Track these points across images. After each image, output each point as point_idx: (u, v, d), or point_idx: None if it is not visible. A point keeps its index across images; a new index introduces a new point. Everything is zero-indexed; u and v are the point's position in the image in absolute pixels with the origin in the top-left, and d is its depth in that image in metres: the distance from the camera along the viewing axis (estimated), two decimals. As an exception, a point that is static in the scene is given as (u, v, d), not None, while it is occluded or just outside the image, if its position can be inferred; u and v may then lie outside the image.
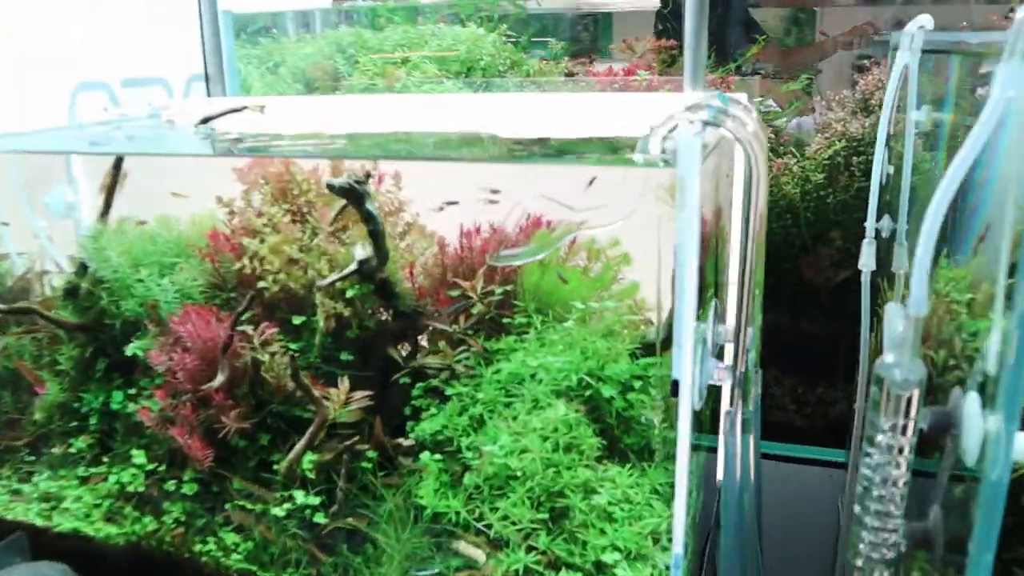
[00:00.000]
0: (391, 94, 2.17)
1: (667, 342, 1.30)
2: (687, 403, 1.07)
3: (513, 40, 2.33)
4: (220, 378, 1.41)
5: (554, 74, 2.29)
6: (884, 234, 1.57)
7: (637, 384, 1.31)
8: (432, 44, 2.27)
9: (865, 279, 1.59)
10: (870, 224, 1.58)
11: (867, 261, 1.58)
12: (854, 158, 2.00)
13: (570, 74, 2.31)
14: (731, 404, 1.16)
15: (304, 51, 2.39)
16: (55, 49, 2.12)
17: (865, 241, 1.58)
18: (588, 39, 2.55)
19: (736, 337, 1.12)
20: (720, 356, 1.20)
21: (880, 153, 1.54)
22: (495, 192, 1.39)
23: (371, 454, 1.40)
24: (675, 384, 1.07)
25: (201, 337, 1.41)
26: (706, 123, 1.03)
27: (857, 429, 1.64)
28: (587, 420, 1.29)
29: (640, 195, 1.16)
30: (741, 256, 1.10)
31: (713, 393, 1.18)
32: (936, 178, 1.41)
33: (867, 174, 2.01)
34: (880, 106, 1.96)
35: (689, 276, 1.00)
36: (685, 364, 1.05)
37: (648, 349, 1.34)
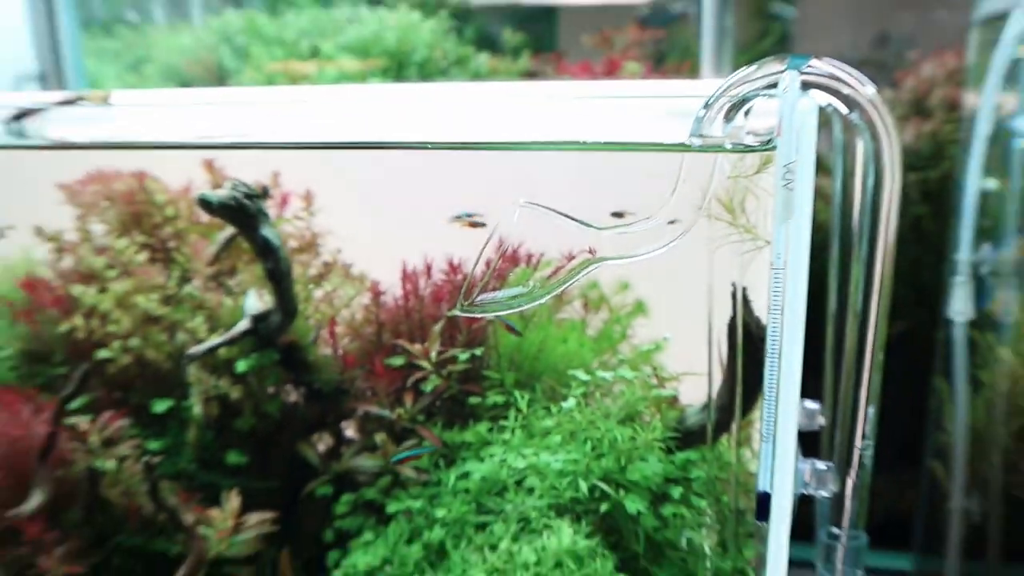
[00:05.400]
0: (297, 87, 1.89)
1: (721, 427, 1.03)
2: (783, 529, 0.79)
3: (455, 29, 2.08)
4: (37, 498, 1.08)
5: (512, 74, 2.04)
6: (984, 269, 1.34)
7: (675, 492, 1.03)
8: (350, 33, 1.99)
9: (960, 334, 1.35)
10: (963, 257, 1.34)
11: (963, 307, 1.34)
12: (909, 175, 1.79)
13: (531, 74, 2.06)
14: (834, 522, 0.88)
15: (179, 43, 2.09)
16: None
17: (957, 280, 1.35)
18: (533, 35, 2.30)
19: (847, 422, 0.85)
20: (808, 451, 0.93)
21: (976, 163, 1.32)
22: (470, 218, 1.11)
23: (273, 608, 1.08)
24: (764, 500, 0.80)
25: (5, 436, 1.08)
26: (808, 84, 0.78)
27: (956, 531, 1.38)
28: (604, 548, 0.99)
29: (696, 205, 0.90)
30: (860, 294, 0.84)
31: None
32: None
33: (927, 197, 1.81)
34: (943, 107, 1.76)
35: (797, 324, 0.74)
36: (784, 468, 0.78)
37: (686, 439, 1.06)
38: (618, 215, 0.98)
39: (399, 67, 1.98)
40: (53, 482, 1.09)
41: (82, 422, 1.11)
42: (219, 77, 2.05)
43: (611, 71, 1.94)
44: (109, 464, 1.10)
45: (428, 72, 1.99)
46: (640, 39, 2.09)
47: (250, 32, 2.06)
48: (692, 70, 1.91)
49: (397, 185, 1.12)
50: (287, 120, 1.40)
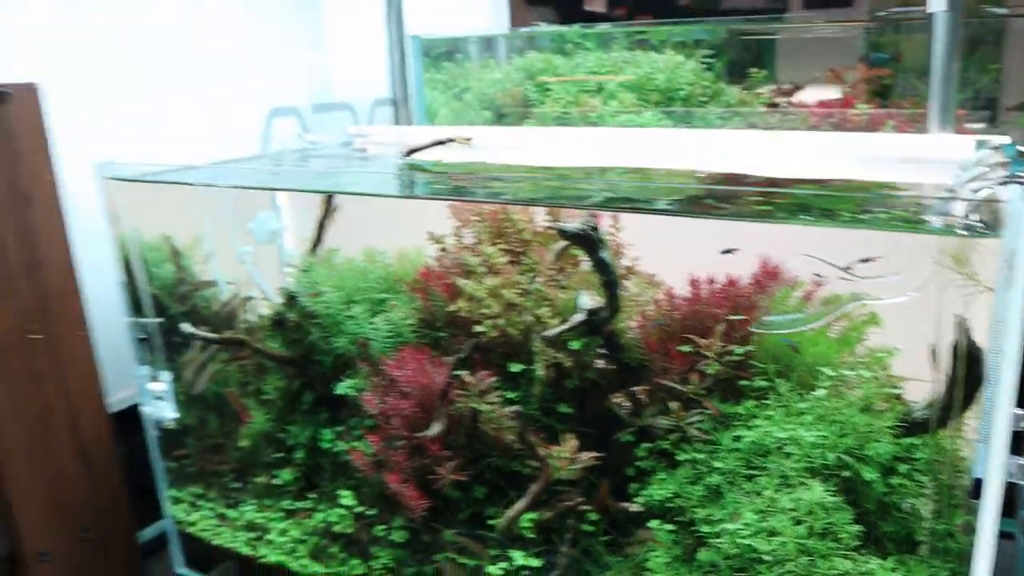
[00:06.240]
0: (601, 128, 2.11)
1: (940, 422, 1.17)
2: (993, 508, 0.94)
3: (707, 64, 2.21)
4: (437, 427, 1.37)
5: (755, 104, 2.16)
6: None
7: (901, 467, 1.18)
8: (627, 71, 2.19)
9: None
10: None
11: None
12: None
13: (772, 104, 2.18)
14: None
15: (491, 76, 2.36)
16: (250, 76, 2.16)
17: None
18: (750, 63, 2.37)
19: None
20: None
21: None
22: (730, 251, 1.29)
23: (594, 516, 1.33)
24: (977, 484, 0.95)
25: (418, 383, 1.37)
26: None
27: None
28: (844, 504, 1.17)
29: (932, 263, 1.04)
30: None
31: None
32: None
33: None
34: None
35: (1010, 365, 0.88)
36: (995, 462, 0.92)
37: (911, 428, 1.20)
38: (866, 261, 1.13)
39: (668, 100, 2.16)
40: (447, 416, 1.38)
41: (466, 375, 1.39)
42: (524, 105, 2.30)
43: (845, 107, 2.03)
44: (483, 407, 1.37)
45: (690, 104, 2.16)
46: (867, 76, 2.15)
47: (548, 70, 2.29)
48: (916, 105, 1.96)
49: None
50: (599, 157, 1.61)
